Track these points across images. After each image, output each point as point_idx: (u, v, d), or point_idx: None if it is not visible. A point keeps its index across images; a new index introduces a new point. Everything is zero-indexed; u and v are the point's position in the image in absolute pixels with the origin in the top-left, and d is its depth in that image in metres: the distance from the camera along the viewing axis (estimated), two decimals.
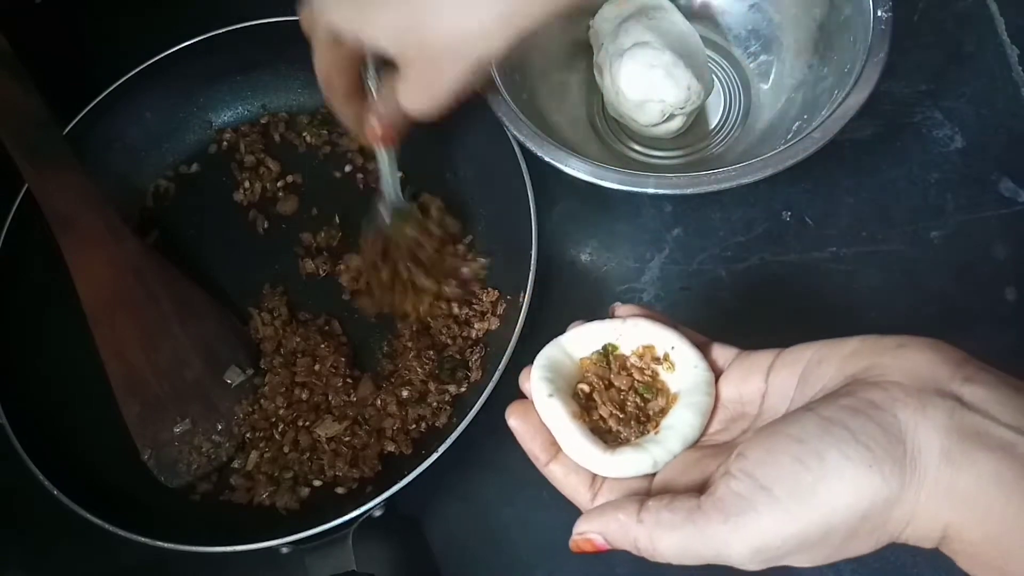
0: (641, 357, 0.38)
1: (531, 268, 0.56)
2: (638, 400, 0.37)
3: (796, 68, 0.66)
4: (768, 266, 0.63)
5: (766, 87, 0.68)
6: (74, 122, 0.65)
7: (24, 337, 0.61)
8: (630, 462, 0.34)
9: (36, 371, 0.60)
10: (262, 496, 0.57)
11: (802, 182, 0.66)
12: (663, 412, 0.37)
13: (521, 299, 0.55)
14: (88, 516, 0.51)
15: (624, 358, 0.38)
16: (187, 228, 0.68)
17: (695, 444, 0.36)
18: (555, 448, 0.36)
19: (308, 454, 0.58)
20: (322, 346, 0.60)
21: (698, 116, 0.67)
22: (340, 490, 0.56)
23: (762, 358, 0.35)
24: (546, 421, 0.36)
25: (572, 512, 0.57)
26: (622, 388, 0.38)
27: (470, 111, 0.62)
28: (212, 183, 0.69)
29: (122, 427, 0.58)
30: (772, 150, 0.55)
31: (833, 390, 0.31)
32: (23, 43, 0.61)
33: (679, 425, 0.35)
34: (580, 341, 0.39)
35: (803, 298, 0.62)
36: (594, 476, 0.36)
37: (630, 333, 0.38)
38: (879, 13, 0.57)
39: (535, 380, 0.37)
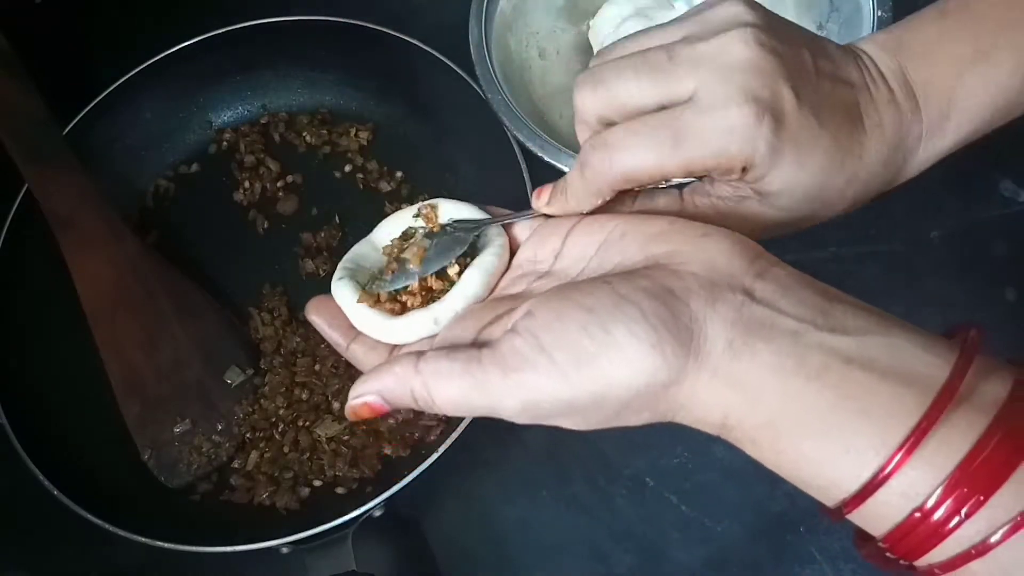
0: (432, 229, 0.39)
1: None
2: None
3: None
4: None
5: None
6: (74, 122, 0.65)
7: (24, 337, 0.61)
8: (414, 324, 0.35)
9: (36, 371, 0.60)
10: (262, 496, 0.57)
11: None
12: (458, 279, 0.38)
13: None
14: (88, 516, 0.51)
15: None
16: (187, 228, 0.68)
17: (482, 301, 0.36)
18: (353, 331, 0.36)
19: (308, 454, 0.58)
20: (322, 346, 0.60)
21: None
22: (340, 490, 0.56)
23: (563, 222, 0.35)
24: (340, 304, 0.37)
25: (572, 513, 0.57)
26: None
27: (470, 111, 0.62)
28: (212, 183, 0.69)
29: (122, 427, 0.58)
30: None
31: (632, 268, 0.31)
32: (23, 43, 0.61)
33: (462, 284, 0.36)
34: (386, 232, 0.41)
35: None
36: (392, 349, 0.36)
37: (428, 215, 0.40)
38: (879, 13, 0.57)
39: (336, 271, 0.38)
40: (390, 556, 0.52)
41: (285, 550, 0.52)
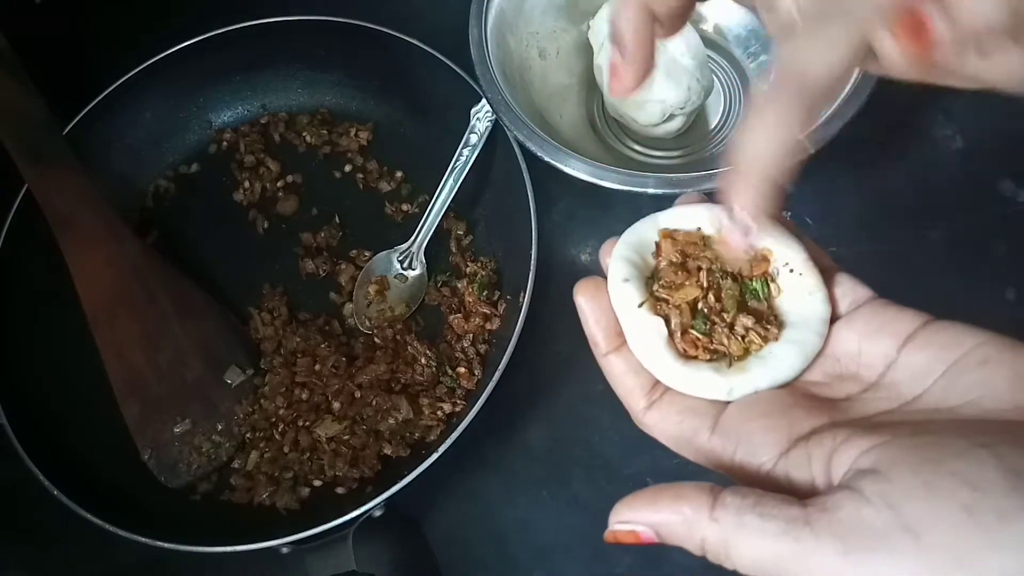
0: (749, 264, 0.32)
1: (531, 268, 0.56)
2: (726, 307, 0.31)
3: None
4: None
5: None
6: (74, 122, 0.65)
7: (25, 337, 0.61)
8: (703, 381, 0.29)
9: (37, 371, 0.60)
10: (262, 496, 0.57)
11: (802, 182, 0.65)
12: (758, 329, 0.31)
13: (521, 299, 0.55)
14: (88, 516, 0.51)
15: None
16: (187, 228, 0.68)
17: (784, 386, 0.30)
18: (620, 339, 0.31)
19: (308, 454, 0.58)
20: (322, 346, 0.60)
21: (698, 116, 0.67)
22: (340, 490, 0.56)
23: (904, 319, 0.29)
24: (616, 307, 0.31)
25: (572, 513, 0.57)
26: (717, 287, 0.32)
27: (470, 111, 0.62)
28: (212, 183, 0.69)
29: (122, 427, 0.58)
30: None
31: (995, 414, 0.25)
32: (23, 43, 0.61)
33: (773, 360, 0.30)
34: (679, 222, 0.33)
35: None
36: (655, 382, 0.31)
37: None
38: None
39: (615, 259, 0.32)
40: (390, 556, 0.52)
41: (285, 550, 0.52)
